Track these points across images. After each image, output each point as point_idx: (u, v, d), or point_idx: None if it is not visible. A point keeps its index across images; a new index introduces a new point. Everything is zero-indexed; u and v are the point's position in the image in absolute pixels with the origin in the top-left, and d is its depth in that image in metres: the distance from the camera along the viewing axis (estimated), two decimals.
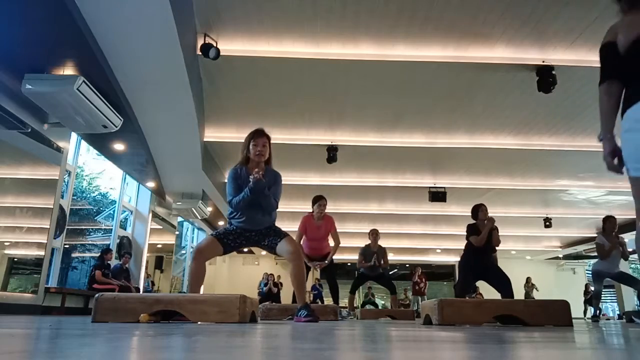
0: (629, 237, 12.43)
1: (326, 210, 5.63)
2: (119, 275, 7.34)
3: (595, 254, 6.38)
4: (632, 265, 18.42)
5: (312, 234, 5.53)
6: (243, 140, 3.38)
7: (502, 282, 4.82)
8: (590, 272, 7.81)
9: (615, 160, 1.86)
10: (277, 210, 3.39)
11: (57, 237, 6.27)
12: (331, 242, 5.80)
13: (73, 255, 10.80)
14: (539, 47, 4.89)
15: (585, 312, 13.46)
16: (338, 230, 5.75)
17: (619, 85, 1.87)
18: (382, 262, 6.44)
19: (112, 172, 10.36)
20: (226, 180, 3.34)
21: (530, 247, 15.82)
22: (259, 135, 3.29)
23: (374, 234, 6.57)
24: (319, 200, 5.52)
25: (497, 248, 5.10)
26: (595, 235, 12.09)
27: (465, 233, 5.06)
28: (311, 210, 5.59)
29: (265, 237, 3.31)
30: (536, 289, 13.88)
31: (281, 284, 13.26)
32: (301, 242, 5.53)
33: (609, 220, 6.03)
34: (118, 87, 4.88)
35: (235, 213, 3.29)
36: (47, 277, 5.93)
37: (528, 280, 14.21)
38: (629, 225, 11.73)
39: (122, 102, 5.09)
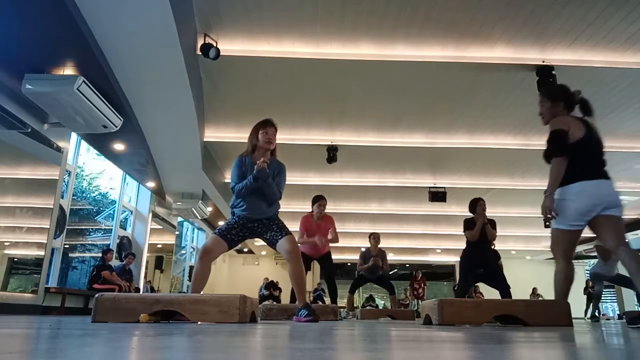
0: (629, 237, 12.48)
1: (327, 211, 5.64)
2: (120, 276, 7.34)
3: (595, 253, 6.38)
4: None
5: (311, 233, 5.54)
6: (242, 140, 3.41)
7: (500, 282, 4.83)
8: (589, 273, 7.80)
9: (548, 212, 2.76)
10: (279, 209, 3.40)
11: (57, 237, 6.27)
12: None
13: (73, 255, 10.80)
14: (539, 47, 4.89)
15: (586, 312, 13.47)
16: (338, 231, 5.76)
17: (567, 161, 2.71)
18: (383, 265, 6.46)
19: (112, 172, 10.36)
20: (231, 169, 3.35)
21: (530, 247, 15.82)
22: (268, 125, 3.36)
23: (375, 239, 6.57)
24: (318, 200, 5.53)
25: (495, 248, 5.11)
26: (595, 235, 12.03)
27: (463, 228, 5.10)
28: (311, 210, 5.60)
29: (268, 231, 3.29)
30: (542, 297, 13.97)
31: (280, 289, 13.28)
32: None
33: None
34: (118, 87, 4.88)
35: (238, 201, 3.29)
36: (47, 277, 5.93)
37: (534, 290, 14.32)
38: (629, 225, 11.75)
39: (122, 102, 5.09)
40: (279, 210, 3.42)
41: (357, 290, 6.95)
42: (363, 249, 6.78)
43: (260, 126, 3.36)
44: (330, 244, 5.70)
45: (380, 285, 6.78)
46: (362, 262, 6.49)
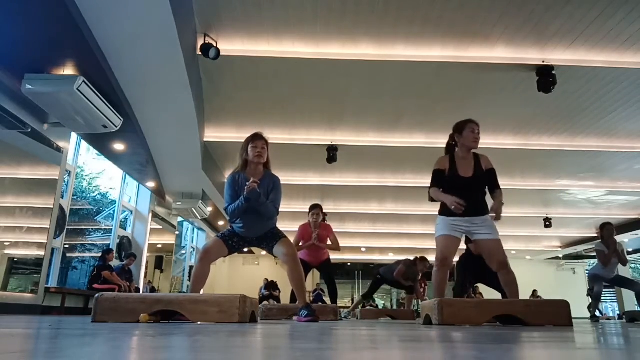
0: (629, 237, 12.49)
1: (326, 211, 5.65)
2: (120, 276, 7.33)
3: (595, 253, 6.39)
4: (633, 265, 18.42)
5: (309, 242, 5.54)
6: (242, 140, 3.40)
7: (498, 283, 4.82)
8: (588, 274, 7.81)
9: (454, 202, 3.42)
10: (276, 223, 3.42)
11: (57, 237, 6.27)
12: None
13: (73, 255, 10.79)
14: (539, 47, 4.89)
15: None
16: (338, 230, 5.76)
17: (440, 189, 3.64)
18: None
19: (112, 172, 10.35)
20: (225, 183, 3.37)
21: (530, 247, 15.81)
22: (257, 138, 3.33)
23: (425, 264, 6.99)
24: (313, 209, 5.55)
25: None
26: (596, 235, 12.03)
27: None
28: (308, 219, 5.61)
29: (264, 240, 3.35)
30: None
31: (280, 289, 13.28)
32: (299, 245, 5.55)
33: (605, 227, 6.04)
34: (118, 87, 4.88)
35: (235, 219, 3.30)
36: (47, 277, 5.93)
37: (534, 292, 14.35)
38: (629, 225, 11.75)
39: (122, 102, 5.09)
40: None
41: (356, 290, 6.99)
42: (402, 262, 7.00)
43: (250, 140, 3.33)
44: (330, 251, 5.70)
45: (400, 288, 7.31)
46: (402, 276, 6.82)
